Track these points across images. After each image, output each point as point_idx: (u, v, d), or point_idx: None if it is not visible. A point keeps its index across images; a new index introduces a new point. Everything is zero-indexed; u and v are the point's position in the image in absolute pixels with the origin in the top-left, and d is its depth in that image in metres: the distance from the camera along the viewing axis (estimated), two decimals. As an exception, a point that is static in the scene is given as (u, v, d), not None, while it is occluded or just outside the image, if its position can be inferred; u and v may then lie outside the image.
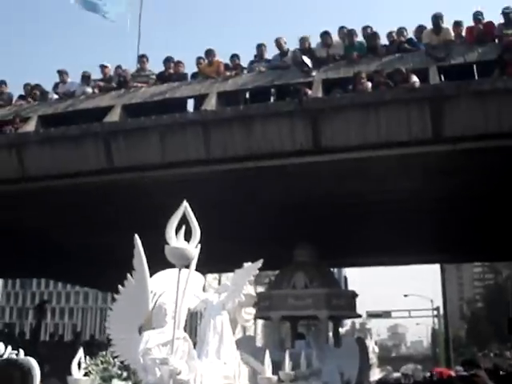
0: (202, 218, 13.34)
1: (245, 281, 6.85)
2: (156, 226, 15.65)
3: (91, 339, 24.70)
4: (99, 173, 11.46)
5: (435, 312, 46.07)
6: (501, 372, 17.88)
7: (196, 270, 5.53)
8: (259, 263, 6.43)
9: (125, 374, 5.61)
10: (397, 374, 27.15)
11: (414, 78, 10.27)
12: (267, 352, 7.08)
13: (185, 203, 4.56)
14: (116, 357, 5.57)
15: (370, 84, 10.62)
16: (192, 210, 4.59)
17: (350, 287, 17.01)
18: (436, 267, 34.15)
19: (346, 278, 16.89)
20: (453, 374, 18.13)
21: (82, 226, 15.04)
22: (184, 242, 4.52)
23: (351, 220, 14.23)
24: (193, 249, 4.52)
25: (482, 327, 67.88)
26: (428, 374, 25.32)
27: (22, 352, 6.60)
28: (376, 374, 17.40)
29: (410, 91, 10.08)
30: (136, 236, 5.03)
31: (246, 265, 6.17)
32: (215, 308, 6.19)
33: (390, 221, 14.36)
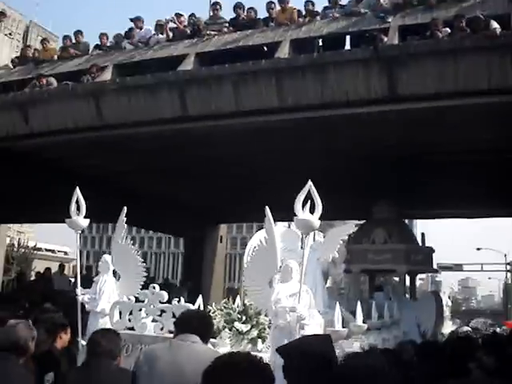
0: (278, 167, 13.46)
1: (338, 240, 8.12)
2: (229, 175, 15.93)
3: (165, 281, 25.61)
4: (174, 121, 11.65)
5: (508, 267, 44.97)
6: None
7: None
8: (352, 225, 7.10)
9: (244, 318, 6.82)
10: (466, 328, 26.84)
11: (495, 25, 9.79)
12: (337, 305, 7.58)
13: (309, 182, 5.32)
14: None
15: (448, 30, 10.22)
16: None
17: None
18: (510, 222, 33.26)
19: (423, 235, 16.91)
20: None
21: (157, 173, 15.46)
22: (309, 215, 5.33)
23: (427, 171, 14.01)
24: (316, 220, 5.36)
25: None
26: (498, 329, 25.00)
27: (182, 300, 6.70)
28: (448, 326, 17.58)
29: (491, 38, 9.64)
30: (267, 208, 5.73)
31: (339, 224, 6.83)
32: (311, 262, 6.94)
33: (467, 172, 14.05)
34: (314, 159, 13.35)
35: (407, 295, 16.15)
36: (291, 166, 13.93)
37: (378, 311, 9.53)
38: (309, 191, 5.38)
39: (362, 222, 16.40)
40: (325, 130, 11.69)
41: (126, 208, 6.89)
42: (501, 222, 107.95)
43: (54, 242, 72.50)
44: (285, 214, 7.63)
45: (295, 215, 5.40)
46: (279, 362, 2.87)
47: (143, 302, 6.63)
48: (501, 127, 11.20)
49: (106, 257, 7.28)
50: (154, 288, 6.65)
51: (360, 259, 14.69)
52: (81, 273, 22.19)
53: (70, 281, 19.71)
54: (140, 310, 6.60)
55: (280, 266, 6.06)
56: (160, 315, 6.41)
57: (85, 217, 6.92)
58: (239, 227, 75.41)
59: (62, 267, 18.91)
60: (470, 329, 30.02)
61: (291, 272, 5.98)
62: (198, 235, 22.52)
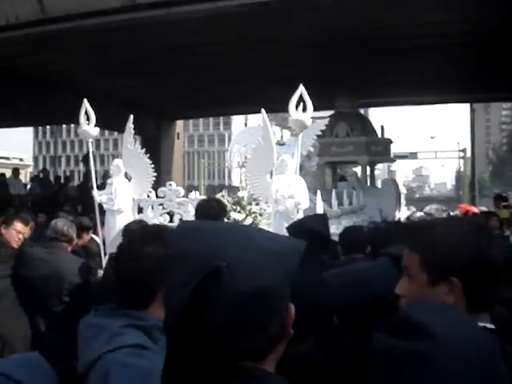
0: (233, 59, 12.91)
1: (312, 135, 8.83)
2: (179, 67, 15.24)
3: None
4: (122, 11, 11.02)
5: (461, 154, 45.98)
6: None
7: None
8: (324, 122, 8.96)
9: (238, 208, 7.47)
10: (420, 214, 27.78)
11: None
12: (318, 193, 8.29)
13: (301, 86, 5.85)
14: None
15: None
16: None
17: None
18: (463, 110, 33.78)
19: (382, 127, 17.43)
20: (477, 211, 18.33)
21: (107, 69, 14.88)
22: (302, 114, 5.91)
23: (381, 57, 13.84)
24: (308, 118, 6.01)
25: (506, 171, 67.64)
26: (452, 214, 25.82)
27: None
28: (404, 212, 18.47)
29: None
30: (263, 110, 6.50)
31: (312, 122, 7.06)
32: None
33: (420, 57, 13.96)
34: (270, 49, 13.01)
35: (368, 184, 16.85)
36: (247, 57, 13.55)
37: (340, 199, 10.05)
38: (300, 94, 5.89)
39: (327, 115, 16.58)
40: (280, 15, 11.25)
41: (132, 116, 7.25)
42: (455, 110, 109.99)
43: (12, 148, 70.70)
44: (243, 107, 7.50)
45: (289, 115, 6.01)
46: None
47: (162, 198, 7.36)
48: (456, 8, 11.00)
49: (117, 161, 7.69)
50: (170, 185, 7.33)
51: (324, 152, 15.14)
52: (38, 176, 21.68)
53: (26, 185, 19.42)
54: (160, 204, 7.36)
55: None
56: (178, 208, 7.15)
57: (95, 126, 7.18)
58: (195, 124, 74.36)
59: (15, 172, 18.42)
60: (423, 214, 31.14)
61: (286, 165, 6.71)
62: (154, 133, 22.16)
